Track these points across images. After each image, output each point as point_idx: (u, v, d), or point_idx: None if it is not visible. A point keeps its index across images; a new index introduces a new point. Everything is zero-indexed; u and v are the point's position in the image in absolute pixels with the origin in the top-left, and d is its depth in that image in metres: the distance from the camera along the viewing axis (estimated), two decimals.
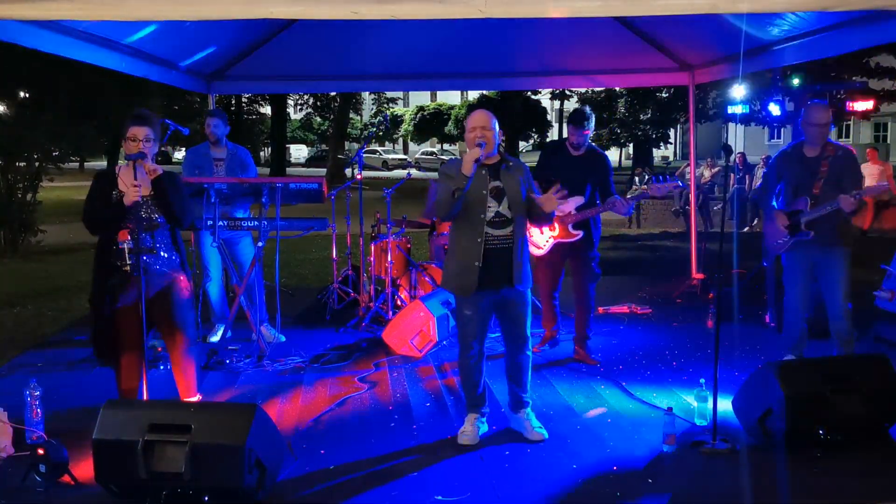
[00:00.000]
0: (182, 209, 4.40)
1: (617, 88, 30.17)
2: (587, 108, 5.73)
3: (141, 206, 4.28)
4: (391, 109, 47.35)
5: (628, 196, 5.77)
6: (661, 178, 5.60)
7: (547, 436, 4.36)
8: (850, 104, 20.24)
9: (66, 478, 3.78)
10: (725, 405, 4.48)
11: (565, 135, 5.82)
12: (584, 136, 5.63)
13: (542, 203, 4.21)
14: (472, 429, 4.37)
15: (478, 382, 4.44)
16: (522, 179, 4.29)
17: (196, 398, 4.63)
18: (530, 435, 4.37)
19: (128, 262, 4.28)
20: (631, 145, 36.63)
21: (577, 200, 5.64)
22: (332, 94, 35.14)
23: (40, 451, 3.75)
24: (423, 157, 45.41)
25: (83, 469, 3.82)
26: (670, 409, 4.28)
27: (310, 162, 47.57)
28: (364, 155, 7.68)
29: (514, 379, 4.48)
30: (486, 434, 4.42)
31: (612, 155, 44.32)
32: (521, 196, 4.26)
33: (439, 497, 3.67)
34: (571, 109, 5.85)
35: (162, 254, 4.40)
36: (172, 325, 4.45)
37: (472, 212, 4.21)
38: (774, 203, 5.37)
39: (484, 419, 4.48)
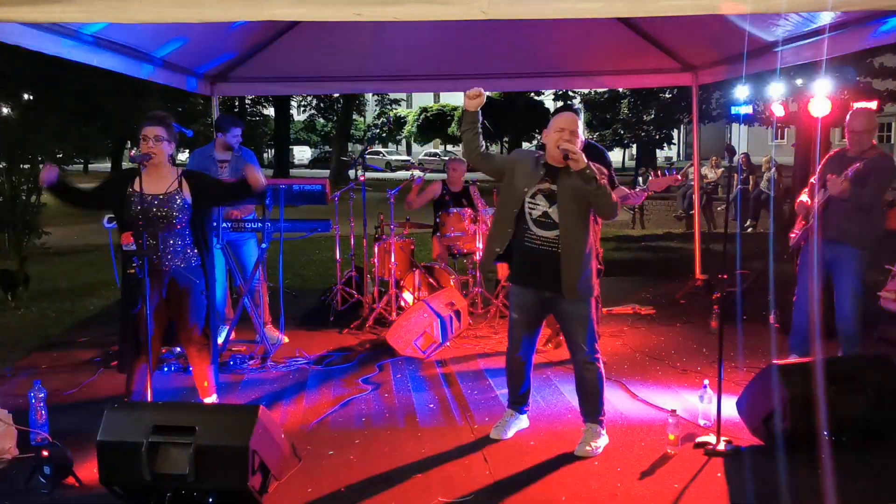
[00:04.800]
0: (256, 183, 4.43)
1: (620, 89, 30.13)
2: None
3: (154, 204, 4.28)
4: (394, 111, 47.39)
5: (638, 189, 5.80)
6: (658, 173, 5.62)
7: (594, 454, 4.16)
8: (854, 104, 20.20)
9: (71, 479, 3.80)
10: (729, 406, 4.47)
11: None
12: None
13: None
14: (502, 423, 4.45)
15: (520, 383, 4.48)
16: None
17: (213, 398, 4.64)
18: (579, 449, 4.18)
19: (133, 264, 4.28)
20: (634, 146, 36.60)
21: None
22: (336, 95, 35.17)
23: (45, 453, 3.76)
24: (427, 158, 45.41)
25: (87, 471, 3.83)
26: (674, 410, 4.28)
27: (313, 163, 47.62)
28: (367, 156, 7.69)
29: (578, 393, 4.36)
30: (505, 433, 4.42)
31: (616, 156, 44.29)
32: (578, 203, 4.05)
33: (442, 499, 3.66)
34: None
35: (178, 253, 4.38)
36: (190, 326, 4.45)
37: (510, 200, 4.20)
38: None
39: (521, 416, 4.51)
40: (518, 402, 4.54)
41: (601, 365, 4.28)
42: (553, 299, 4.19)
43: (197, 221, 4.41)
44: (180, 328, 4.47)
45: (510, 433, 4.42)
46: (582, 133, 4.17)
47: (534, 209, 4.15)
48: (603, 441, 4.24)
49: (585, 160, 3.96)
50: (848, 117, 5.20)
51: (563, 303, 4.17)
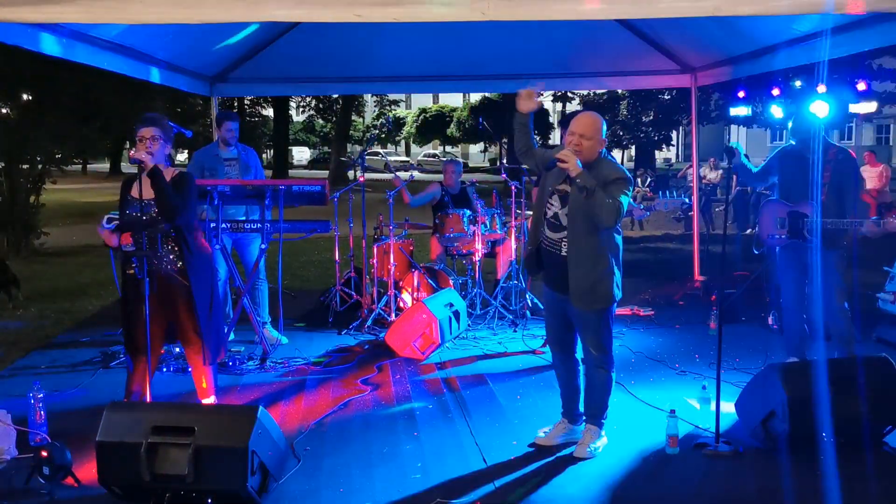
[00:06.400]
0: (170, 204, 4.25)
1: (619, 90, 30.16)
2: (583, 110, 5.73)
3: (147, 207, 4.28)
4: (393, 112, 47.38)
5: (642, 206, 5.81)
6: (667, 193, 5.63)
7: (592, 455, 4.16)
8: (852, 106, 20.24)
9: (70, 480, 3.79)
10: (728, 407, 4.48)
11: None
12: None
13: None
14: (548, 431, 4.38)
15: (563, 391, 4.39)
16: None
17: (211, 399, 4.64)
18: (577, 449, 4.19)
19: (132, 265, 4.30)
20: (633, 147, 36.64)
21: None
22: (335, 96, 35.16)
23: (44, 454, 3.75)
24: (426, 159, 45.40)
25: (86, 471, 3.83)
26: (673, 411, 4.28)
27: (312, 164, 47.60)
28: (366, 157, 7.70)
29: (584, 391, 4.31)
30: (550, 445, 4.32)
31: (615, 157, 44.25)
32: (587, 209, 3.92)
33: (441, 499, 3.67)
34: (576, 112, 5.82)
35: (171, 256, 4.39)
36: (185, 327, 4.45)
37: (540, 199, 4.21)
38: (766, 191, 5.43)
39: (574, 429, 4.36)
40: (565, 409, 4.41)
41: (612, 371, 4.23)
42: (567, 301, 4.13)
43: (186, 223, 4.40)
44: (177, 329, 4.48)
45: (556, 441, 4.32)
46: (598, 135, 4.03)
47: (548, 210, 4.14)
48: (602, 443, 4.24)
49: (578, 168, 3.88)
50: (790, 124, 5.24)
51: (572, 307, 4.12)
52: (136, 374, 4.40)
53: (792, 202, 5.19)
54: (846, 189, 5.01)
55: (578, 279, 4.03)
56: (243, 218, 6.07)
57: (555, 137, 41.41)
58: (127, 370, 4.49)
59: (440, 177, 7.85)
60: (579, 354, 4.32)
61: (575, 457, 4.14)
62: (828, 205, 5.01)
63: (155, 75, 6.66)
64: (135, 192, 4.31)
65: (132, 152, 4.30)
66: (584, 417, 4.35)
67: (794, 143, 5.26)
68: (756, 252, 5.55)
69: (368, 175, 7.48)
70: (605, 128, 4.11)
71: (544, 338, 6.09)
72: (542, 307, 6.21)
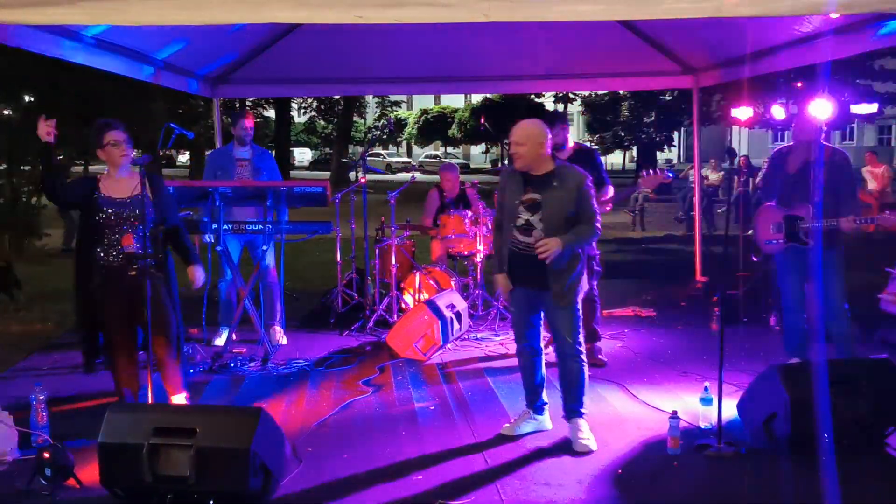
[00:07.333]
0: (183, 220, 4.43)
1: (620, 91, 30.17)
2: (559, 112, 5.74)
3: (122, 206, 4.33)
4: (395, 113, 47.42)
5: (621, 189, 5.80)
6: (649, 171, 5.60)
7: (594, 448, 4.23)
8: (854, 107, 20.25)
9: (72, 481, 3.79)
10: (730, 408, 4.47)
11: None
12: (560, 136, 5.64)
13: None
14: (514, 422, 4.51)
15: (529, 379, 4.54)
16: (574, 195, 4.21)
17: (182, 395, 4.61)
18: (576, 445, 4.25)
19: (135, 265, 4.29)
20: (634, 148, 36.66)
21: None
22: (336, 97, 35.18)
23: (45, 455, 3.75)
24: (427, 160, 45.42)
25: (88, 472, 3.82)
26: (675, 412, 4.27)
27: (313, 165, 47.62)
28: (367, 158, 7.71)
29: (562, 386, 4.46)
30: (523, 434, 4.46)
31: (616, 158, 44.27)
32: (565, 213, 4.21)
33: (443, 500, 3.66)
34: (577, 112, 5.80)
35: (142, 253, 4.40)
36: (154, 323, 4.39)
37: (508, 220, 4.38)
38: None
39: (539, 417, 4.54)
40: (530, 400, 4.55)
41: (585, 359, 4.41)
42: (540, 296, 4.34)
43: (158, 222, 4.42)
44: (143, 326, 4.39)
45: (520, 431, 4.46)
46: (531, 140, 4.21)
47: (518, 220, 4.30)
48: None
49: (559, 245, 4.11)
50: (793, 125, 5.24)
51: (548, 301, 4.32)
52: (125, 375, 4.41)
53: (791, 205, 5.18)
54: (840, 190, 5.01)
55: (560, 280, 4.25)
56: (253, 219, 6.05)
57: None
58: (113, 374, 4.48)
59: (434, 178, 7.84)
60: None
61: (577, 451, 4.18)
62: (824, 205, 5.00)
63: (157, 77, 6.67)
64: (107, 192, 4.36)
65: (129, 153, 4.34)
66: (545, 407, 4.56)
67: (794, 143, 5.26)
68: (755, 260, 5.55)
69: (370, 176, 7.48)
70: (544, 133, 4.25)
71: (547, 341, 6.09)
72: None
